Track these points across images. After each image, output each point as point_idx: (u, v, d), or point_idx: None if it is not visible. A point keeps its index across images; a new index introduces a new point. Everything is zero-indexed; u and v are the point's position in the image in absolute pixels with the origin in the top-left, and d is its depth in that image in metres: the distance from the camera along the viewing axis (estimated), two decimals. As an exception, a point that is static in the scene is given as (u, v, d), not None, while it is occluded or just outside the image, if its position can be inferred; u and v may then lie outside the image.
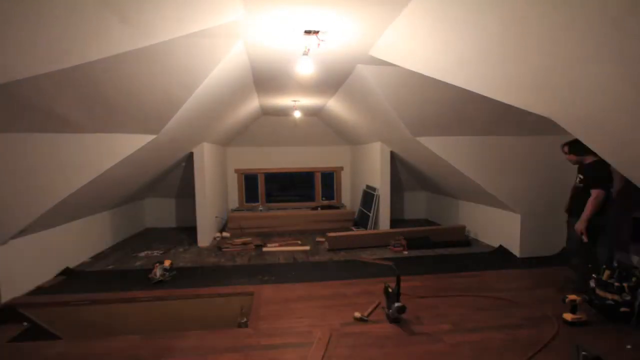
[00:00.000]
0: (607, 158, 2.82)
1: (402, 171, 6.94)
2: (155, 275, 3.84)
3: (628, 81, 1.86)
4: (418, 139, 4.59)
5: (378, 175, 5.93)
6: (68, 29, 2.03)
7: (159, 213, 7.01)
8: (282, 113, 6.60)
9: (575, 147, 3.43)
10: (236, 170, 7.69)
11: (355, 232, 5.90)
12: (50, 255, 4.04)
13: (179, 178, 6.49)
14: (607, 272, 2.89)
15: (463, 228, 5.67)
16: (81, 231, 4.67)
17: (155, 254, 5.01)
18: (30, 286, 3.69)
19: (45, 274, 3.96)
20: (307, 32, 2.62)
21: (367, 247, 5.22)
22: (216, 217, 6.17)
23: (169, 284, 3.81)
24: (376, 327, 2.87)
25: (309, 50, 2.82)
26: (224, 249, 5.17)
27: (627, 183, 3.02)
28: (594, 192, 3.26)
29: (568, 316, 2.84)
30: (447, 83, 2.84)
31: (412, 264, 4.47)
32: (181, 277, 4.02)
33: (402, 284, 2.88)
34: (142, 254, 5.02)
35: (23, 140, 3.13)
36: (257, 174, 7.87)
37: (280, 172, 7.91)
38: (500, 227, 5.13)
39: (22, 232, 3.50)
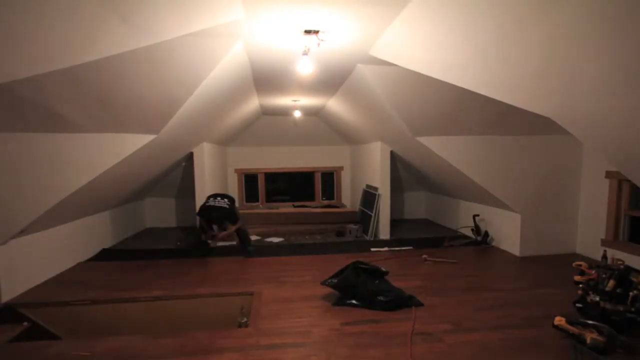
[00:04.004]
0: (607, 157, 2.82)
1: (402, 171, 6.93)
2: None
3: (627, 81, 1.86)
4: (418, 138, 4.59)
5: (378, 175, 5.92)
6: (68, 29, 2.03)
7: (159, 213, 7.01)
8: (282, 113, 6.60)
9: None
10: (236, 170, 7.69)
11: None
12: (50, 255, 4.04)
13: (179, 178, 6.49)
14: (612, 282, 2.76)
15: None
16: (81, 231, 4.67)
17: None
18: (29, 286, 3.69)
19: (45, 274, 3.97)
20: (307, 31, 2.62)
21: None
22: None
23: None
24: (376, 327, 2.87)
25: (309, 50, 2.81)
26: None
27: None
28: None
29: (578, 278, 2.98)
30: (447, 83, 2.84)
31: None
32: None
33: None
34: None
35: (23, 140, 3.13)
36: (257, 173, 7.87)
37: (280, 172, 7.91)
38: (500, 227, 5.13)
39: (22, 232, 3.50)
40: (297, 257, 4.87)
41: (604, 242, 4.34)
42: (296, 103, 5.64)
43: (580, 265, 3.11)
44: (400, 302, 3.23)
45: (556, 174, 4.74)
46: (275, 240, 5.88)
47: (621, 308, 2.67)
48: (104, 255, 5.01)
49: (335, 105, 5.59)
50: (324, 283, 3.38)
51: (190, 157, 5.53)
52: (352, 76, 3.93)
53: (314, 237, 6.03)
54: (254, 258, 4.78)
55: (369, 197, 6.26)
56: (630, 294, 2.68)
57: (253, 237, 5.94)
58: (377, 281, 3.36)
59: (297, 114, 6.44)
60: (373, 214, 5.87)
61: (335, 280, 3.33)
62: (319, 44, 2.72)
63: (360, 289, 3.24)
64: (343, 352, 2.52)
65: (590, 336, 2.37)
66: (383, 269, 3.48)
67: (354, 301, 3.24)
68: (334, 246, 5.43)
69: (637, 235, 4.17)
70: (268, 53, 3.18)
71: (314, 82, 4.30)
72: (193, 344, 2.64)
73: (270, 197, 8.07)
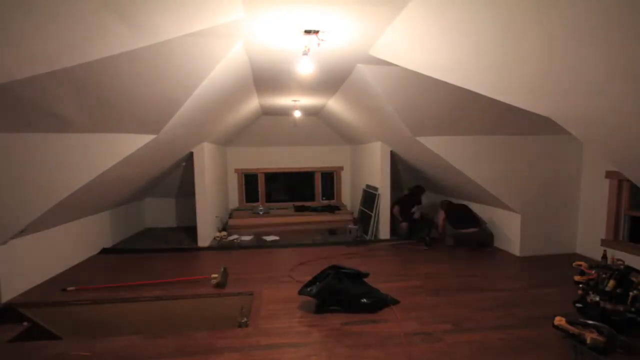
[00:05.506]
0: (607, 157, 2.82)
1: (402, 171, 6.93)
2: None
3: (627, 81, 1.86)
4: (418, 138, 4.59)
5: (378, 175, 5.92)
6: (68, 29, 2.03)
7: (159, 213, 7.01)
8: (282, 113, 6.60)
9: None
10: (236, 170, 7.69)
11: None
12: (50, 255, 4.05)
13: (179, 178, 6.49)
14: (612, 282, 2.75)
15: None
16: (81, 231, 4.67)
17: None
18: (29, 286, 3.69)
19: (45, 274, 3.97)
20: (307, 31, 2.61)
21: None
22: (216, 216, 6.17)
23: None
24: (376, 327, 2.87)
25: (309, 50, 2.81)
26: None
27: None
28: None
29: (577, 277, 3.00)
30: (447, 83, 2.84)
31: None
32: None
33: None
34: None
35: (23, 140, 3.13)
36: (257, 173, 7.87)
37: (280, 172, 7.91)
38: (500, 227, 5.13)
39: (22, 232, 3.50)
40: (297, 257, 4.87)
41: (604, 242, 4.34)
42: (296, 103, 5.64)
43: (580, 265, 3.12)
44: (380, 302, 3.24)
45: (556, 174, 4.74)
46: (272, 238, 5.90)
47: (621, 308, 2.67)
48: (104, 255, 5.01)
49: (335, 105, 5.59)
50: (301, 293, 3.24)
51: (190, 157, 5.53)
52: (352, 76, 3.93)
53: (313, 237, 6.02)
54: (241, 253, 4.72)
55: (369, 197, 6.26)
56: (630, 294, 2.67)
57: (248, 237, 5.96)
58: (359, 284, 3.34)
59: (297, 114, 6.44)
60: (373, 214, 5.87)
61: (315, 290, 3.19)
62: (319, 44, 2.72)
63: (344, 295, 3.17)
64: (343, 352, 2.52)
65: (590, 336, 2.37)
66: (363, 272, 3.47)
67: (334, 307, 3.16)
68: (334, 245, 5.43)
69: (637, 235, 4.17)
70: (268, 53, 3.18)
71: (314, 82, 4.30)
72: (193, 344, 2.64)
73: (270, 197, 8.07)
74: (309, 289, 3.23)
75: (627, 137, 2.37)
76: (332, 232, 6.29)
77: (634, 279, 2.72)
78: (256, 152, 7.66)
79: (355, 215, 7.02)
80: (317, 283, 3.26)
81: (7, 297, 3.39)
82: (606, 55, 1.77)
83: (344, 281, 3.26)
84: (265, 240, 5.81)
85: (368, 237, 5.82)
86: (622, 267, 2.84)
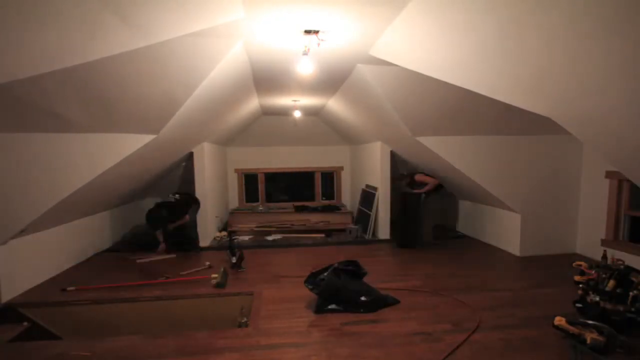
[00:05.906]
0: (607, 157, 2.83)
1: (402, 171, 6.92)
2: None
3: (626, 81, 1.86)
4: (418, 138, 4.59)
5: (378, 175, 5.92)
6: (69, 29, 2.03)
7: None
8: (282, 113, 6.60)
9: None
10: (236, 170, 7.69)
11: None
12: (50, 255, 4.05)
13: (179, 178, 6.48)
14: (612, 282, 2.75)
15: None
16: (81, 231, 4.67)
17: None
18: (29, 286, 3.69)
19: (45, 273, 3.97)
20: (307, 31, 2.61)
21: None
22: (216, 216, 6.17)
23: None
24: (376, 327, 2.87)
25: (308, 50, 2.81)
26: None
27: None
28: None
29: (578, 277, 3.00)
30: (447, 83, 2.85)
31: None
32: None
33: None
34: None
35: (24, 140, 3.13)
36: (257, 173, 7.87)
37: (280, 172, 7.91)
38: (500, 227, 5.13)
39: (22, 232, 3.50)
40: (297, 257, 4.87)
41: (604, 242, 4.34)
42: (296, 103, 5.64)
43: (580, 265, 3.11)
44: (380, 301, 3.24)
45: (556, 174, 4.74)
46: (272, 237, 5.91)
47: (621, 308, 2.67)
48: (104, 255, 5.01)
49: (335, 105, 5.59)
50: (306, 282, 3.34)
51: (190, 157, 5.53)
52: (352, 76, 3.93)
53: (313, 237, 6.03)
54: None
55: (369, 196, 6.27)
56: (630, 294, 2.67)
57: (246, 237, 5.96)
58: (358, 281, 3.36)
59: (297, 114, 6.43)
60: (371, 214, 5.87)
61: (318, 289, 3.23)
62: (319, 44, 2.72)
63: (344, 292, 3.19)
64: (343, 352, 2.52)
65: (590, 336, 2.37)
66: (363, 270, 3.47)
67: (334, 306, 3.17)
68: (335, 245, 5.44)
69: (637, 235, 4.17)
70: (268, 53, 3.18)
71: (314, 82, 4.30)
72: (193, 344, 2.64)
73: (270, 198, 8.07)
74: (311, 286, 3.28)
75: (626, 137, 2.38)
76: (328, 234, 6.17)
77: (634, 279, 2.72)
78: (256, 152, 7.66)
79: (355, 214, 7.01)
80: (319, 278, 3.29)
81: (7, 297, 3.39)
82: (606, 55, 1.77)
83: (342, 277, 3.28)
84: (266, 240, 5.81)
85: (367, 237, 5.83)
86: (622, 267, 2.84)
